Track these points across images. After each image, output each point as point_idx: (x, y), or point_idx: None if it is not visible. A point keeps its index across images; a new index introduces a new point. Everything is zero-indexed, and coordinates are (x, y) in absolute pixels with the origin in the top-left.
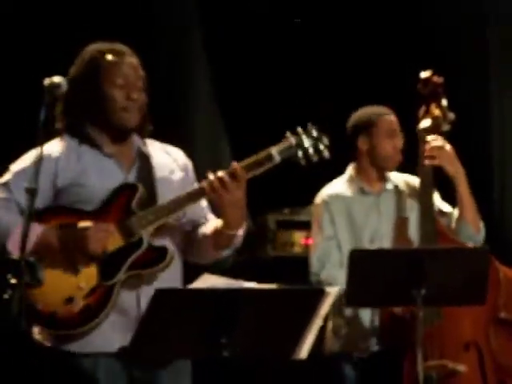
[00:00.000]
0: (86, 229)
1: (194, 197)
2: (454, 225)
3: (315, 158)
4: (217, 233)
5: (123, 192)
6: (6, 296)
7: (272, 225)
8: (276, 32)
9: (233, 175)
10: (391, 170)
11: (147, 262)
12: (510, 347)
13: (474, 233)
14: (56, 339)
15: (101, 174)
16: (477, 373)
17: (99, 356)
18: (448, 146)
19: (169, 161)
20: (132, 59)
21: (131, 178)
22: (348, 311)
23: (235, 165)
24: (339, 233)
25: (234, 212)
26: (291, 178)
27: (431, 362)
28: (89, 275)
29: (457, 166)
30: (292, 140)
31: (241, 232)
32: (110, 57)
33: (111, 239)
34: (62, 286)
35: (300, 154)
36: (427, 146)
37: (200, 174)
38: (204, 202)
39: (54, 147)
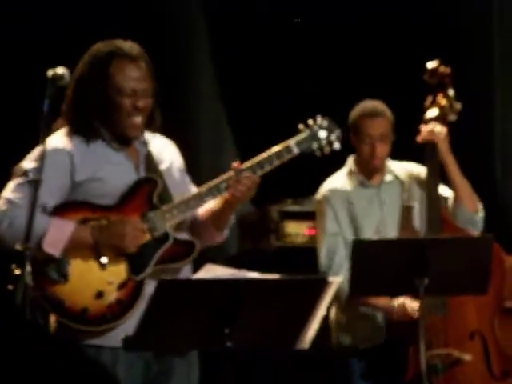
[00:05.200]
0: (122, 226)
1: (214, 192)
2: (450, 209)
3: (327, 150)
4: (216, 214)
5: (142, 186)
6: (9, 287)
7: (275, 215)
8: (278, 31)
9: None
10: (371, 173)
11: (174, 256)
12: None
13: (472, 214)
14: (79, 333)
15: (115, 168)
16: (482, 362)
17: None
18: (439, 127)
19: (166, 152)
20: (142, 63)
21: (141, 170)
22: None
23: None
24: (343, 228)
25: (240, 202)
26: (294, 168)
27: (437, 351)
28: (117, 270)
29: (448, 147)
30: (307, 132)
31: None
32: (119, 62)
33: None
34: (91, 282)
35: (315, 145)
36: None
37: (205, 173)
38: (193, 187)
39: (64, 142)
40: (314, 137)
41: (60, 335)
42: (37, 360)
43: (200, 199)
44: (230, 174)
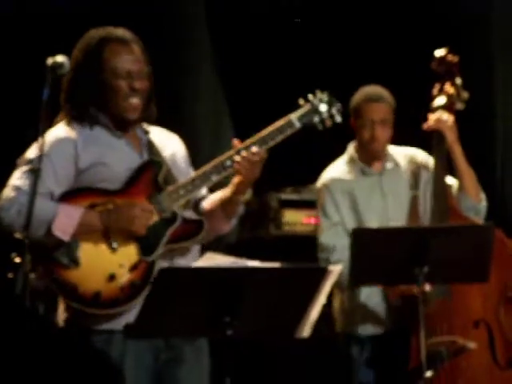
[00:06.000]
0: (130, 209)
1: (220, 169)
2: (454, 196)
3: (329, 123)
4: (225, 201)
5: (147, 169)
6: (9, 275)
7: (274, 203)
8: (278, 19)
9: (258, 153)
10: (372, 158)
11: (183, 235)
12: None
13: (475, 202)
14: (92, 317)
15: (117, 153)
16: (486, 350)
17: None
18: (446, 115)
19: (168, 142)
20: (135, 46)
21: (144, 155)
22: (354, 291)
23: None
24: (344, 217)
25: (248, 182)
26: (293, 156)
27: (442, 338)
28: (128, 252)
29: (455, 135)
30: (308, 106)
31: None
32: (113, 46)
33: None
34: (103, 265)
35: (316, 119)
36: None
37: (203, 157)
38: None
39: (66, 131)
40: (315, 111)
41: (71, 322)
42: (37, 349)
43: (205, 177)
44: (235, 150)
